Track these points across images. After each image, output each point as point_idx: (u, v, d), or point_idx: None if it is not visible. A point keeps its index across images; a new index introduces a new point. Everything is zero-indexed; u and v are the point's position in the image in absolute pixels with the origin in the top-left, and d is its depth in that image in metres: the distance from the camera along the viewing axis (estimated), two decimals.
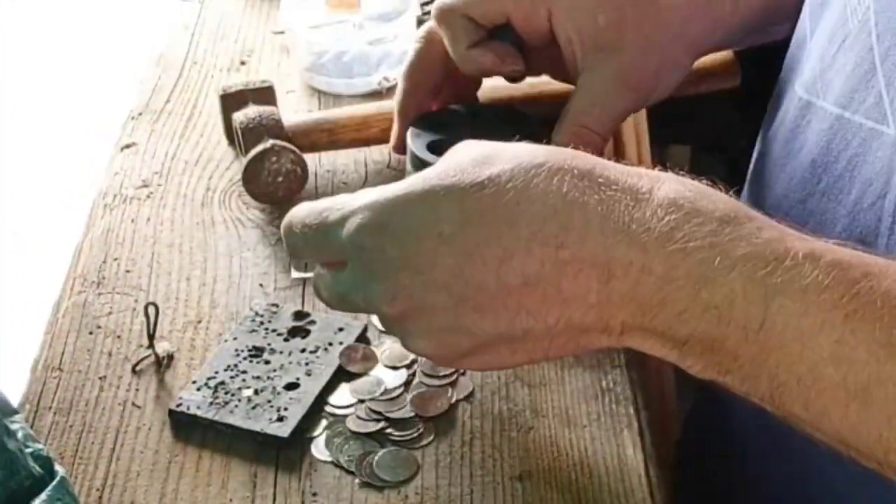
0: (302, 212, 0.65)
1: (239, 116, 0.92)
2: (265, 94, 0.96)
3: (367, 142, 0.95)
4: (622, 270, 0.56)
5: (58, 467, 0.62)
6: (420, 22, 1.15)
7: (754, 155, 0.83)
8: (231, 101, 0.96)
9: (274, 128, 0.91)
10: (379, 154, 0.97)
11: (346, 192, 0.93)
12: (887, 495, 0.61)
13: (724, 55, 0.94)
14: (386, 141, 0.91)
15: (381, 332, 0.79)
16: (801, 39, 0.78)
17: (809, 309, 0.53)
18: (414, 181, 0.60)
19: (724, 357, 0.56)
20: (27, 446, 0.61)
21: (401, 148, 0.83)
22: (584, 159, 0.59)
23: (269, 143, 0.89)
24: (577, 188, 0.57)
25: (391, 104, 0.89)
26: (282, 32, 1.14)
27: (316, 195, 0.93)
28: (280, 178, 0.89)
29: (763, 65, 0.87)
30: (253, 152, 0.89)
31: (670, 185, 0.57)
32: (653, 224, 0.56)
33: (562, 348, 0.60)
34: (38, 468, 0.61)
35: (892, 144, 0.65)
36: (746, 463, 0.80)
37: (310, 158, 0.93)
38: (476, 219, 0.58)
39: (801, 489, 0.74)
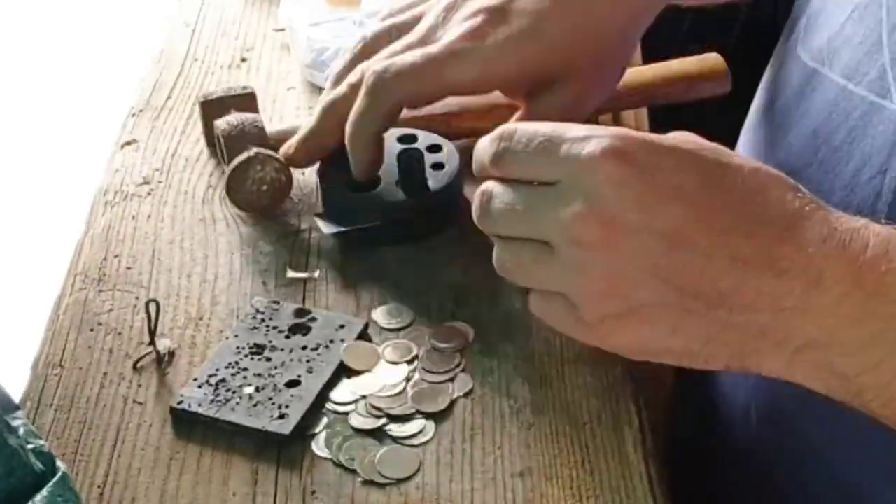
0: (532, 126, 0.62)
1: (221, 124, 0.91)
2: (247, 101, 0.95)
3: None
4: (832, 282, 0.55)
5: (59, 464, 0.62)
6: None
7: (750, 118, 0.83)
8: (212, 109, 0.95)
9: (257, 135, 0.90)
10: None
11: None
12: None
13: (715, 61, 0.93)
14: None
15: (382, 329, 0.79)
16: (802, 5, 0.78)
17: None
18: (663, 136, 0.60)
19: None
20: (29, 443, 0.61)
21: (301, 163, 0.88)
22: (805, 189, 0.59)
23: (253, 151, 0.88)
24: (810, 206, 0.57)
25: None
26: (282, 30, 1.14)
27: (317, 190, 0.93)
28: (265, 187, 0.88)
29: (757, 66, 0.87)
30: (236, 161, 0.88)
31: (882, 226, 0.57)
32: (870, 245, 0.56)
33: (723, 346, 0.58)
34: (39, 465, 0.61)
35: (893, 119, 0.65)
36: (734, 433, 0.80)
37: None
38: (715, 187, 0.57)
39: (792, 459, 0.74)
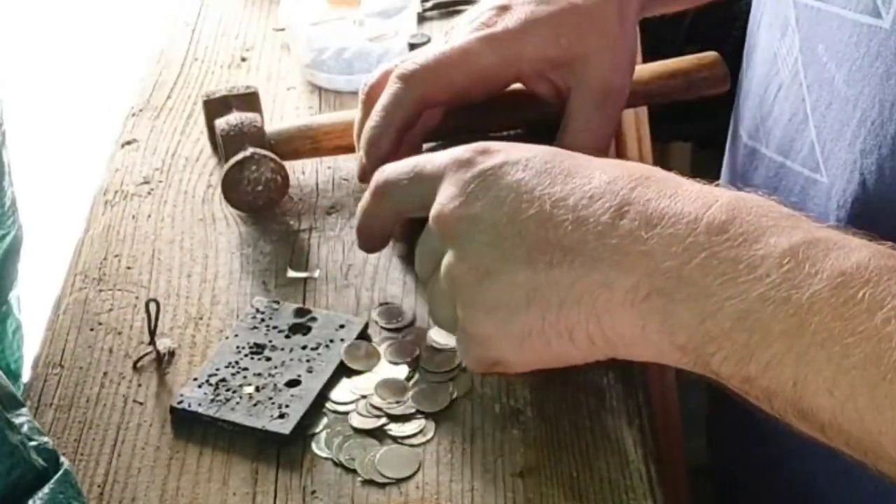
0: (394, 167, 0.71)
1: (220, 123, 0.91)
2: (249, 100, 0.95)
3: (350, 149, 0.95)
4: (672, 222, 0.57)
5: (63, 460, 0.62)
6: (421, 18, 1.16)
7: None
8: (214, 107, 0.95)
9: (255, 135, 0.90)
10: None
11: (346, 188, 0.94)
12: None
13: (713, 60, 0.94)
14: None
15: (382, 328, 0.79)
16: (740, 84, 0.79)
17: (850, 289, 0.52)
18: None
19: (752, 335, 0.53)
20: (32, 439, 0.61)
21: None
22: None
23: (249, 151, 0.88)
24: (636, 190, 0.60)
25: None
26: (282, 29, 1.14)
27: (316, 190, 0.93)
28: (260, 188, 0.88)
29: None
30: (232, 161, 0.88)
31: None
32: (723, 197, 0.57)
33: (576, 305, 0.59)
34: (41, 461, 0.61)
35: (826, 193, 0.66)
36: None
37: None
38: (555, 168, 0.62)
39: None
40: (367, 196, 0.74)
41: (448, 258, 0.64)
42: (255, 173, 0.88)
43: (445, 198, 0.65)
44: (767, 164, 0.73)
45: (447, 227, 0.64)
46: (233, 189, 0.88)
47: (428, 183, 0.67)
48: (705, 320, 0.55)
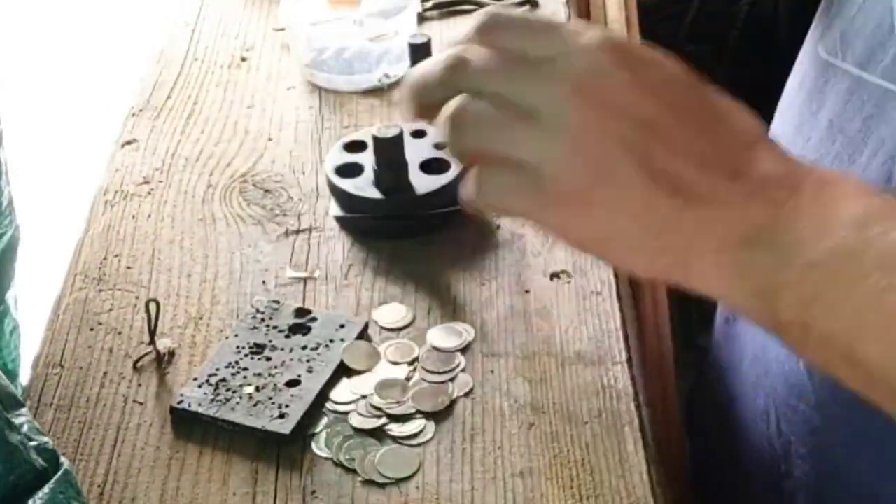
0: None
1: None
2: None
3: None
4: (775, 187, 0.58)
5: (63, 460, 0.62)
6: (421, 18, 1.15)
7: (776, 117, 0.84)
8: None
9: None
10: None
11: None
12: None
13: None
14: None
15: (382, 328, 0.79)
16: (826, 3, 0.79)
17: None
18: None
19: (819, 284, 0.56)
20: (32, 439, 0.61)
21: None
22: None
23: None
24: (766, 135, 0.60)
25: None
26: (282, 30, 1.14)
27: (317, 190, 0.93)
28: None
29: (757, 62, 0.87)
30: None
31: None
32: (816, 172, 0.59)
33: (673, 238, 0.59)
34: (41, 461, 0.61)
35: None
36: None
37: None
38: (696, 93, 0.61)
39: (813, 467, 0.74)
40: (463, 37, 0.63)
41: (565, 134, 0.60)
42: None
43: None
44: (841, 78, 0.73)
45: (577, 114, 0.60)
46: None
47: (550, 43, 0.61)
48: (780, 270, 0.57)
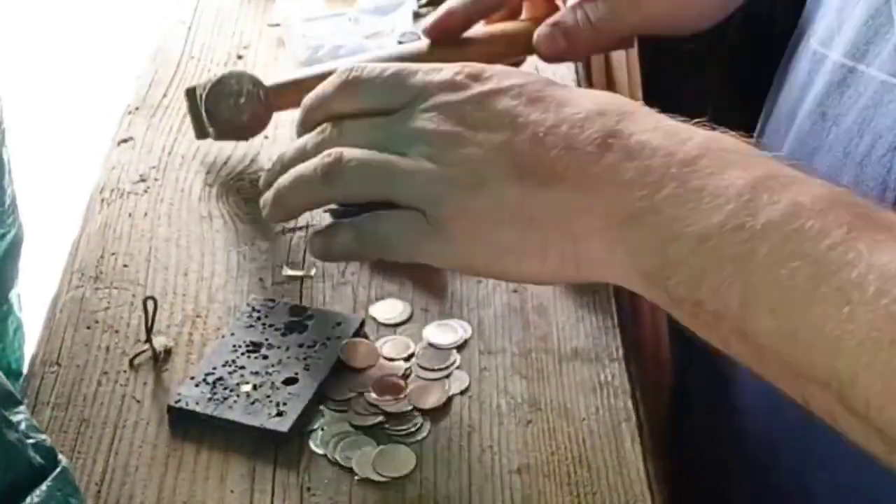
0: (379, 63, 0.69)
1: (200, 83, 0.91)
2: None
3: None
4: (649, 154, 0.59)
5: (61, 458, 0.62)
6: (417, 16, 1.15)
7: (764, 110, 0.84)
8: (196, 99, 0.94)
9: (237, 73, 0.90)
10: None
11: None
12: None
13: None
14: None
15: (379, 325, 0.79)
16: None
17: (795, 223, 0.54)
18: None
19: (707, 261, 0.56)
20: (30, 437, 0.61)
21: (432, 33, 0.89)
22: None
23: (227, 70, 0.87)
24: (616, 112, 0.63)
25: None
26: (277, 24, 1.14)
27: None
28: (242, 100, 0.87)
29: (755, 59, 0.87)
30: (211, 82, 0.87)
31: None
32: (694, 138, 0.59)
33: (556, 227, 0.61)
34: (39, 459, 0.61)
35: None
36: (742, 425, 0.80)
37: None
38: (551, 88, 0.64)
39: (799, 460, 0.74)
40: (324, 85, 0.71)
41: (437, 158, 0.64)
42: (235, 86, 0.87)
43: (435, 107, 0.66)
44: (833, 70, 0.73)
45: (441, 136, 0.64)
46: (217, 112, 0.88)
47: (405, 90, 0.67)
48: (667, 246, 0.57)
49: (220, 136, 0.90)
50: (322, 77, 0.91)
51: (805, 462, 0.75)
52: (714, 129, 0.61)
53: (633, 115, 0.61)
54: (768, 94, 0.84)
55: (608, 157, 0.60)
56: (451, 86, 0.66)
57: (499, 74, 0.66)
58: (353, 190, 0.66)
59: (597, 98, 0.64)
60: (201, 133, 0.94)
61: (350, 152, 0.66)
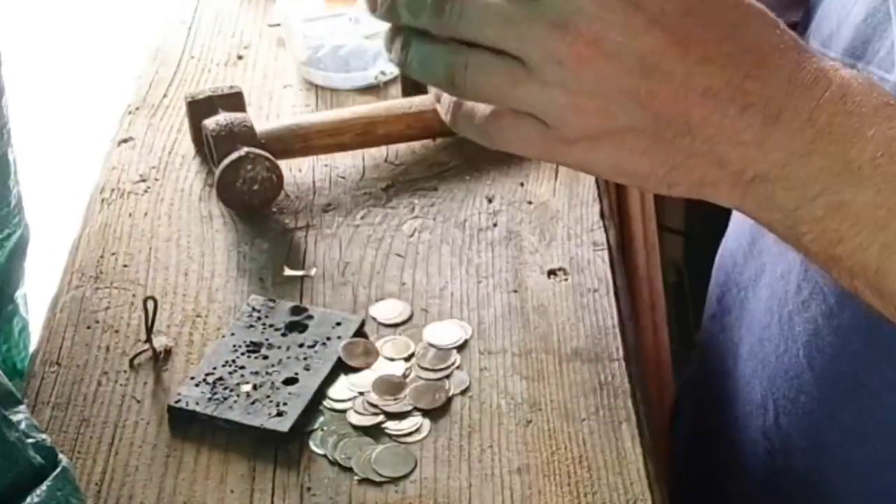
0: None
1: (209, 124, 0.91)
2: (234, 101, 0.95)
3: (341, 147, 0.95)
4: (788, 119, 0.57)
5: (61, 457, 0.62)
6: None
7: None
8: (199, 109, 0.95)
9: (246, 134, 0.90)
10: (376, 150, 0.97)
11: (343, 186, 0.94)
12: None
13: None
14: (360, 146, 0.94)
15: (379, 325, 0.79)
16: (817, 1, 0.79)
17: None
18: None
19: (844, 223, 0.57)
20: (30, 437, 0.61)
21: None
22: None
23: (244, 150, 0.88)
24: (786, 44, 0.59)
25: (366, 109, 0.93)
26: (277, 25, 1.14)
27: (313, 188, 0.93)
28: (255, 187, 0.88)
29: None
30: (226, 161, 0.88)
31: (851, 71, 0.59)
32: (830, 88, 0.58)
33: (687, 174, 0.60)
34: (39, 459, 0.61)
35: (892, 90, 0.66)
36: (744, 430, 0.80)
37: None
38: (696, 16, 0.58)
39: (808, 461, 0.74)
40: None
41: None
42: (250, 172, 0.88)
43: None
44: None
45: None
46: (228, 189, 0.89)
47: None
48: (799, 207, 0.58)
49: (227, 205, 0.90)
50: (320, 122, 0.93)
51: (805, 461, 0.75)
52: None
53: (771, 61, 0.59)
54: None
55: (744, 115, 0.58)
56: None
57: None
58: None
59: (742, 30, 0.60)
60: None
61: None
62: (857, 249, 0.57)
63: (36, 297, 0.95)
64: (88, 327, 0.80)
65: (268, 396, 0.73)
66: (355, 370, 0.76)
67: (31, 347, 0.82)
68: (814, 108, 0.57)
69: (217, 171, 0.88)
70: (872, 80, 0.59)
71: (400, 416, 0.73)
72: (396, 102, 0.98)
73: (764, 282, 0.77)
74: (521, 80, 0.59)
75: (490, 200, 0.92)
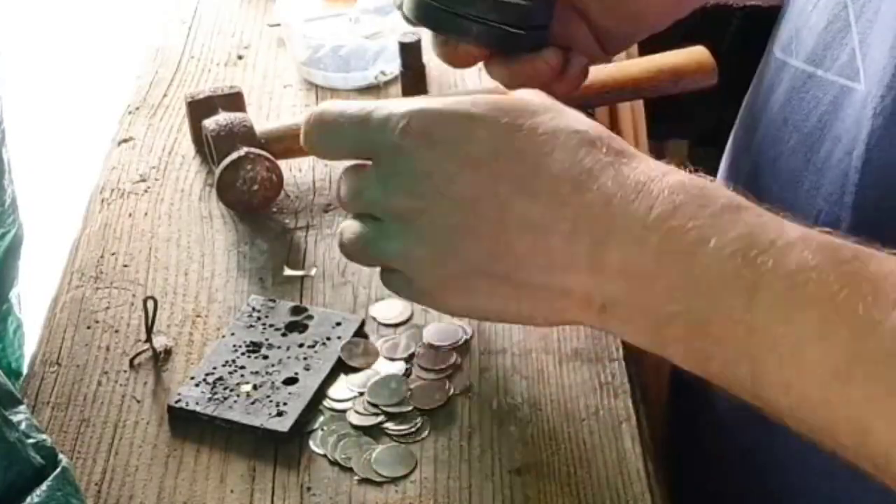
0: (339, 105, 0.66)
1: (209, 124, 0.91)
2: (234, 100, 0.95)
3: None
4: (618, 240, 0.56)
5: (61, 457, 0.62)
6: None
7: (738, 118, 0.84)
8: (199, 108, 0.95)
9: (246, 135, 0.90)
10: None
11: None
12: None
13: (701, 55, 0.94)
14: None
15: (380, 325, 0.79)
16: (784, 4, 0.79)
17: (797, 287, 0.52)
18: (462, 100, 0.62)
19: (706, 341, 0.55)
20: (30, 437, 0.61)
21: None
22: (618, 141, 0.61)
23: (244, 150, 0.88)
24: (601, 162, 0.58)
25: None
26: (277, 25, 1.14)
27: (313, 188, 0.93)
28: (255, 187, 0.88)
29: (749, 67, 0.87)
30: (226, 161, 0.88)
31: (681, 175, 0.58)
32: (657, 202, 0.56)
33: (535, 307, 0.61)
34: (39, 459, 0.61)
35: (862, 101, 0.65)
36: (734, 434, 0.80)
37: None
38: (505, 154, 0.60)
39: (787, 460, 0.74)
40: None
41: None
42: (250, 172, 0.88)
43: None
44: (794, 76, 0.73)
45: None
46: (228, 189, 0.89)
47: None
48: (660, 329, 0.57)
49: (227, 205, 0.90)
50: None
51: (806, 461, 0.75)
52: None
53: (586, 183, 0.58)
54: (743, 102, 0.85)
55: (569, 242, 0.58)
56: (406, 153, 0.63)
57: (459, 139, 0.62)
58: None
59: (551, 157, 0.60)
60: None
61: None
62: (727, 364, 0.55)
63: (36, 297, 0.95)
64: (88, 327, 0.80)
65: (268, 396, 0.73)
66: (355, 370, 0.76)
67: (31, 348, 0.82)
68: (643, 225, 0.56)
69: (217, 171, 0.88)
70: (705, 182, 0.58)
71: (400, 416, 0.73)
72: None
73: None
74: (376, 239, 0.65)
75: None
